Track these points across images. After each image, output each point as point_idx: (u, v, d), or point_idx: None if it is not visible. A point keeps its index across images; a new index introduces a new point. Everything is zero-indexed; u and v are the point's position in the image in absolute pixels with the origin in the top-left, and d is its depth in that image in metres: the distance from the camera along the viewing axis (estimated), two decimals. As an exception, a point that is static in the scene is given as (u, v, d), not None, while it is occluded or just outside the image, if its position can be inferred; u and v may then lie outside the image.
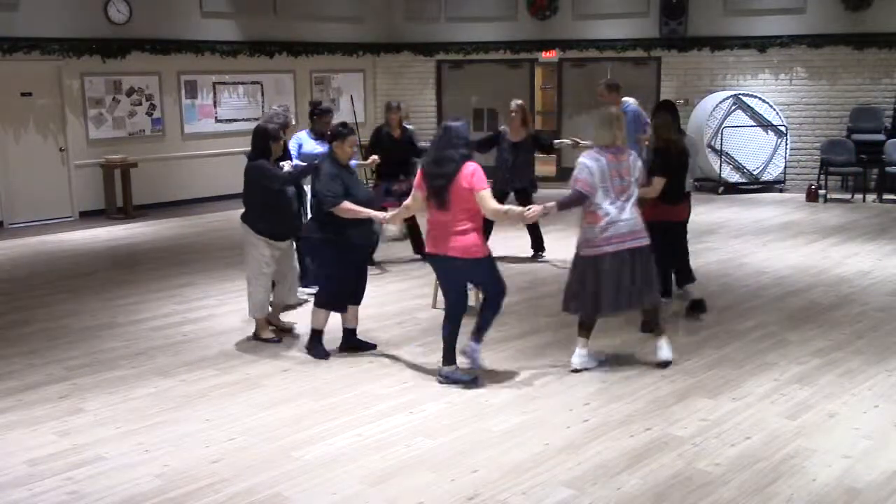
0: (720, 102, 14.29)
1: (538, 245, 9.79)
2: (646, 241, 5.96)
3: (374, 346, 6.63)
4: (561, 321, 7.29)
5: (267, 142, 6.69)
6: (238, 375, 6.12)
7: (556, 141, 9.87)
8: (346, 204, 6.13)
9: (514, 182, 9.37)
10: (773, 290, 8.24)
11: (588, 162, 5.84)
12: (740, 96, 14.36)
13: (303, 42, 15.26)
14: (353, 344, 6.58)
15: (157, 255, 10.33)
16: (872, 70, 14.48)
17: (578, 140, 9.71)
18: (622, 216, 5.84)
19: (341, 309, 6.47)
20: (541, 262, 9.61)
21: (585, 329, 6.14)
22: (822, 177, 14.20)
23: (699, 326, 7.00)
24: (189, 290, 8.55)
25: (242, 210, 6.81)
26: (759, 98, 14.50)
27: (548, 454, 4.80)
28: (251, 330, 6.98)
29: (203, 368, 6.28)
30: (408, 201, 6.08)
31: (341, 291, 6.38)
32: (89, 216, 12.90)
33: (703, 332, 6.92)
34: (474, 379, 5.87)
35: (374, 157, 8.72)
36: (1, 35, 11.83)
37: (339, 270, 6.31)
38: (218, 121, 14.35)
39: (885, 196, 13.72)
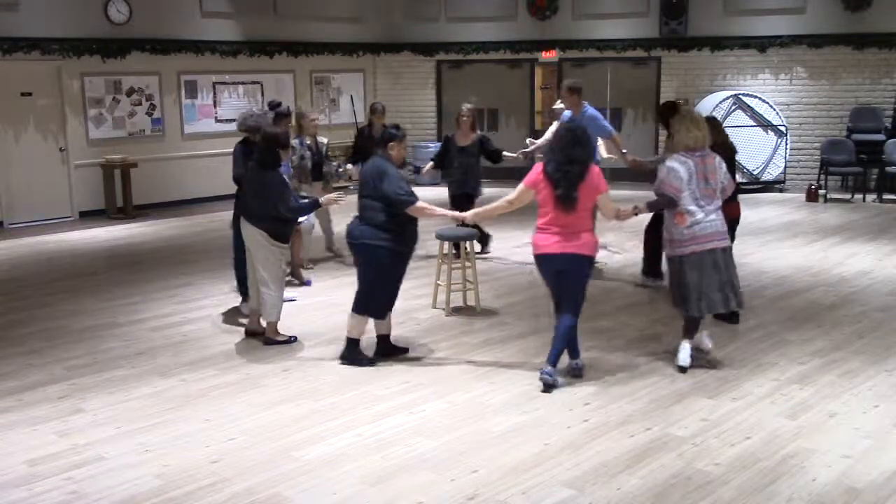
0: (720, 102, 14.29)
1: (485, 241, 9.88)
2: (727, 243, 6.09)
3: (406, 350, 6.53)
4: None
5: (276, 148, 6.57)
6: (238, 375, 6.12)
7: (505, 153, 9.83)
8: (422, 203, 6.05)
9: (461, 186, 9.34)
10: (773, 290, 8.24)
11: (676, 165, 5.96)
12: (740, 96, 14.36)
13: (303, 42, 15.27)
14: (388, 349, 6.45)
15: (157, 255, 10.33)
16: (872, 70, 14.49)
17: (526, 153, 9.82)
18: (707, 218, 5.96)
19: (384, 315, 6.35)
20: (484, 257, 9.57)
21: (690, 329, 6.16)
22: (822, 177, 14.21)
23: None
24: (189, 290, 8.55)
25: (247, 214, 6.63)
26: (759, 98, 14.50)
27: (548, 454, 4.80)
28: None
29: (203, 368, 6.28)
30: (511, 197, 5.92)
31: (391, 299, 6.28)
32: (89, 216, 12.90)
33: (703, 331, 6.91)
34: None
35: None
36: (1, 35, 11.83)
37: (392, 276, 6.18)
38: (218, 121, 14.34)
39: (885, 196, 13.73)
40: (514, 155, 9.75)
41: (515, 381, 5.91)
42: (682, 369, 6.05)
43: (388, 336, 6.47)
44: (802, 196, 13.94)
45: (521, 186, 5.85)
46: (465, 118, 9.37)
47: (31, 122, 12.46)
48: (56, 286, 8.87)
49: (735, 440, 4.95)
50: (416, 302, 7.96)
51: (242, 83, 14.71)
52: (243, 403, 5.60)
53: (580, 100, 8.88)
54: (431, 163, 9.77)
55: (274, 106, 8.42)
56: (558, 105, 9.74)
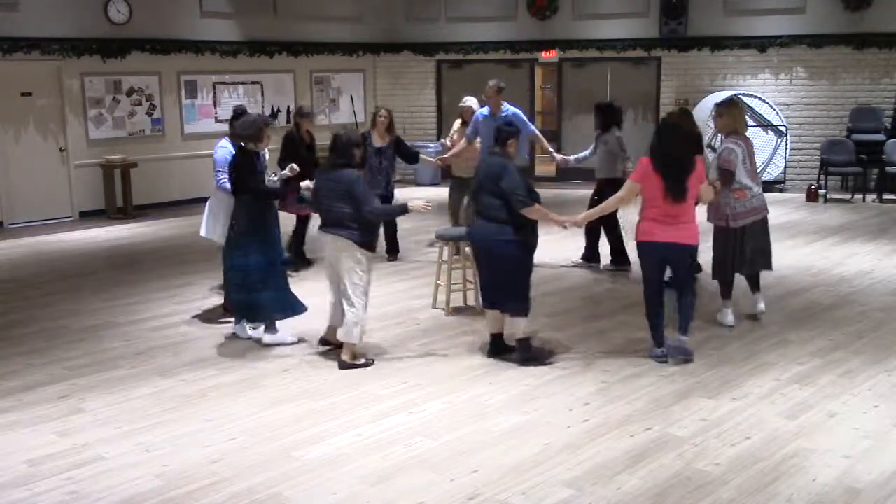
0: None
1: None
2: (767, 212, 7.10)
3: (514, 349, 6.44)
4: (560, 321, 7.31)
5: (353, 150, 6.23)
6: (238, 375, 6.12)
7: (423, 156, 9.92)
8: (539, 206, 6.13)
9: (380, 187, 9.31)
10: (773, 290, 8.23)
11: (734, 147, 6.88)
12: (740, 96, 14.35)
13: (303, 42, 15.27)
14: (504, 348, 6.40)
15: (157, 255, 10.33)
16: (872, 70, 14.49)
17: (441, 163, 9.91)
18: (757, 191, 7.00)
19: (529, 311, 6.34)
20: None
21: (728, 292, 7.15)
22: (822, 177, 14.21)
23: (699, 327, 6.99)
24: (189, 290, 8.55)
25: (329, 224, 6.19)
26: (759, 98, 14.50)
27: (548, 454, 4.80)
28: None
29: (203, 368, 6.28)
30: (621, 195, 6.33)
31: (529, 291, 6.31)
32: (89, 216, 12.91)
33: (703, 332, 6.92)
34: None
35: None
36: (1, 35, 11.84)
37: (528, 269, 6.25)
38: (218, 121, 14.33)
39: (885, 196, 13.73)
40: (431, 159, 9.83)
41: (515, 381, 5.91)
42: (731, 328, 7.00)
43: (501, 335, 6.42)
44: (802, 196, 13.94)
45: (629, 182, 6.26)
46: (382, 118, 9.40)
47: (31, 122, 12.46)
48: (56, 286, 8.87)
49: (735, 440, 4.95)
50: (416, 302, 7.96)
51: (242, 83, 14.71)
52: (243, 403, 5.60)
53: (502, 99, 9.44)
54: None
55: (239, 113, 7.85)
56: (468, 102, 9.95)
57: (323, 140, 14.77)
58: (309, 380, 6.01)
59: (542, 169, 16.42)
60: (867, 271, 9.02)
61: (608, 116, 9.09)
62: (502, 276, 6.16)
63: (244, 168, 6.58)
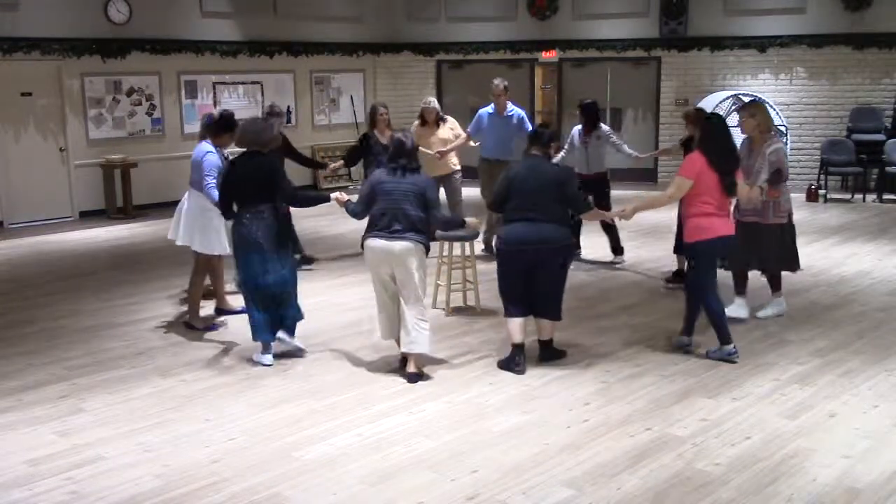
0: (720, 102, 14.28)
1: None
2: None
3: (564, 353, 6.41)
4: (560, 322, 7.29)
5: (416, 153, 6.09)
6: (238, 375, 6.12)
7: (422, 149, 9.98)
8: (594, 208, 6.27)
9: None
10: (773, 290, 8.23)
11: (783, 146, 7.12)
12: (740, 96, 14.35)
13: (303, 42, 15.26)
14: (551, 354, 6.35)
15: (157, 255, 10.32)
16: (872, 70, 14.48)
17: (441, 156, 9.83)
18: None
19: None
20: None
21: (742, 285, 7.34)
22: (822, 177, 14.21)
23: (698, 326, 6.99)
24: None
25: (394, 229, 5.85)
26: (759, 98, 14.48)
27: (548, 454, 4.80)
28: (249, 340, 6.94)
29: (203, 368, 6.28)
30: (670, 192, 6.30)
31: None
32: (89, 216, 12.91)
33: (703, 332, 6.91)
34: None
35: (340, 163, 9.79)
36: (1, 35, 11.83)
37: None
38: (218, 121, 14.34)
39: (885, 196, 13.73)
40: (430, 153, 9.74)
41: (515, 381, 5.91)
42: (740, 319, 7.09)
43: (552, 340, 6.37)
44: (802, 196, 13.92)
45: (679, 180, 6.20)
46: (382, 115, 9.59)
47: (31, 122, 12.46)
48: (56, 286, 8.87)
49: (735, 440, 4.95)
50: (416, 302, 7.95)
51: (242, 83, 14.71)
52: (243, 403, 5.60)
53: (507, 99, 9.66)
54: (342, 161, 9.98)
55: (228, 116, 7.98)
56: (432, 103, 10.02)
57: (321, 141, 14.66)
58: (309, 380, 6.01)
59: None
60: (867, 271, 9.02)
61: (596, 114, 9.35)
62: (563, 282, 6.20)
63: (281, 176, 6.31)
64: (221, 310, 7.60)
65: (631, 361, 6.29)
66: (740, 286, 7.33)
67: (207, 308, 7.57)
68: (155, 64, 13.49)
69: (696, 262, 6.35)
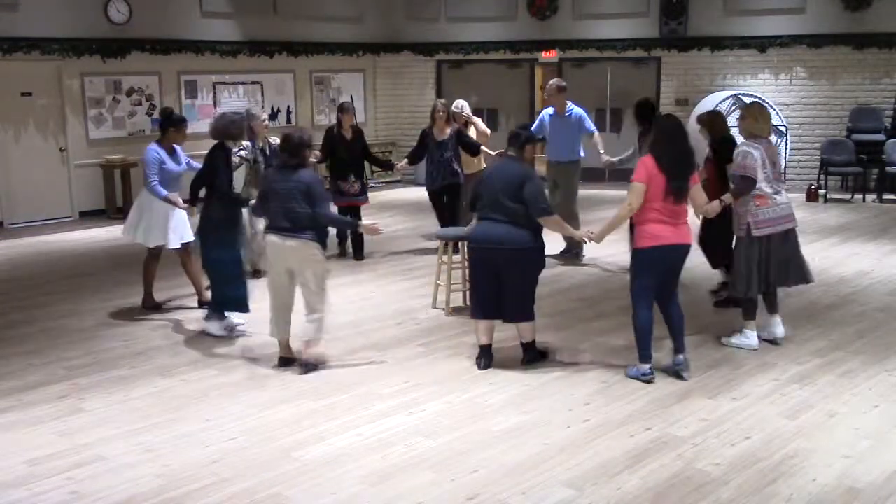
0: (720, 102, 14.28)
1: None
2: (795, 224, 6.58)
3: (547, 355, 6.38)
4: (560, 322, 7.30)
5: (304, 150, 6.17)
6: (238, 375, 6.12)
7: (484, 149, 10.05)
8: (557, 216, 6.09)
9: (440, 180, 9.67)
10: (773, 290, 8.23)
11: (752, 150, 6.37)
12: (740, 96, 14.35)
13: (303, 42, 15.27)
14: (538, 355, 6.31)
15: (157, 255, 10.31)
16: (872, 70, 14.49)
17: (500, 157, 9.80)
18: (783, 199, 6.50)
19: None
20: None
21: (752, 311, 6.57)
22: (822, 177, 14.21)
23: (699, 327, 6.99)
24: (189, 289, 8.53)
25: (291, 225, 6.00)
26: (759, 98, 14.48)
27: (548, 454, 4.80)
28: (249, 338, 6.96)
29: (203, 368, 6.28)
30: (631, 201, 5.75)
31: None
32: (89, 216, 12.91)
33: (703, 332, 6.92)
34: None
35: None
36: (1, 35, 11.83)
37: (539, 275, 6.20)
38: (218, 121, 14.34)
39: (885, 196, 13.74)
40: (492, 153, 9.69)
41: (515, 381, 5.91)
42: (755, 350, 6.46)
43: (534, 342, 6.32)
44: (802, 196, 13.92)
45: (636, 186, 5.73)
46: (440, 113, 9.61)
47: (31, 122, 12.46)
48: (56, 286, 8.87)
49: (735, 440, 4.95)
50: (416, 302, 7.96)
51: (242, 83, 14.72)
52: (243, 403, 5.60)
53: (566, 97, 9.51)
54: (406, 160, 10.08)
55: (169, 114, 8.42)
56: (463, 108, 10.09)
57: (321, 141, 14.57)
58: (309, 380, 6.01)
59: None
60: (867, 271, 9.02)
61: (651, 114, 8.52)
62: (526, 285, 6.08)
63: (224, 164, 7.10)
64: (203, 302, 7.77)
65: (631, 362, 6.27)
66: (748, 311, 6.59)
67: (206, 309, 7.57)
68: (155, 64, 13.49)
69: (633, 268, 5.94)
